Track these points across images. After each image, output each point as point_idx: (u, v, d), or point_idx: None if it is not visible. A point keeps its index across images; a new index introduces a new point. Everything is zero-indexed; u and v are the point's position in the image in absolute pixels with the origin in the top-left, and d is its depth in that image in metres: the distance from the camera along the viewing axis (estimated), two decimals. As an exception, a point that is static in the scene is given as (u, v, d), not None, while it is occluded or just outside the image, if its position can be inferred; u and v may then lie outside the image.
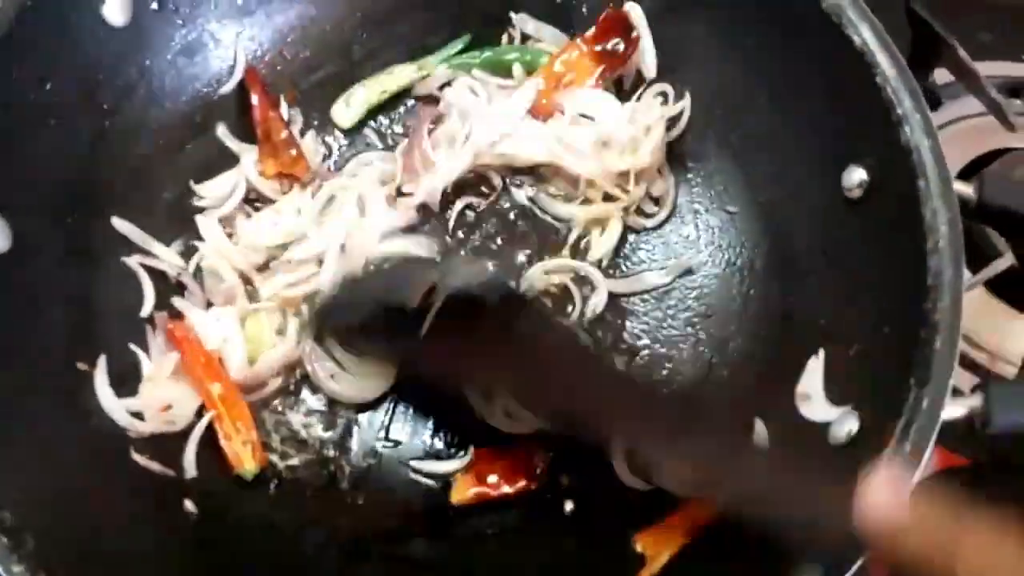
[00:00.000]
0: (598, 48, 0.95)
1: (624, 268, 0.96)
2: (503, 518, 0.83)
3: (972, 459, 0.92)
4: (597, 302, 0.93)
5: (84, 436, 0.77)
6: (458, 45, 1.01)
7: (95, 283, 0.85)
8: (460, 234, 0.97)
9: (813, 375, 0.79)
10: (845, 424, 0.73)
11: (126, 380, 0.83)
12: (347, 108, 0.99)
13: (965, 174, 1.09)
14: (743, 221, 0.94)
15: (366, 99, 0.99)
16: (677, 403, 0.86)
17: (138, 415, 0.82)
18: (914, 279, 0.71)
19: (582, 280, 0.95)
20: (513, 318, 0.78)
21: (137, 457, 0.80)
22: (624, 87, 0.99)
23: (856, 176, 0.80)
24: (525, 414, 0.84)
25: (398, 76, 1.00)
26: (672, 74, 0.97)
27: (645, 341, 0.93)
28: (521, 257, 0.96)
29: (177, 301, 0.89)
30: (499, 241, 0.97)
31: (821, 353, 0.80)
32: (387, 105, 1.01)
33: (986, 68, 1.05)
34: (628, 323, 0.94)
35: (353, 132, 1.01)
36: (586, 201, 0.95)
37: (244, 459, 0.82)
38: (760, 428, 0.81)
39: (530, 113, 0.95)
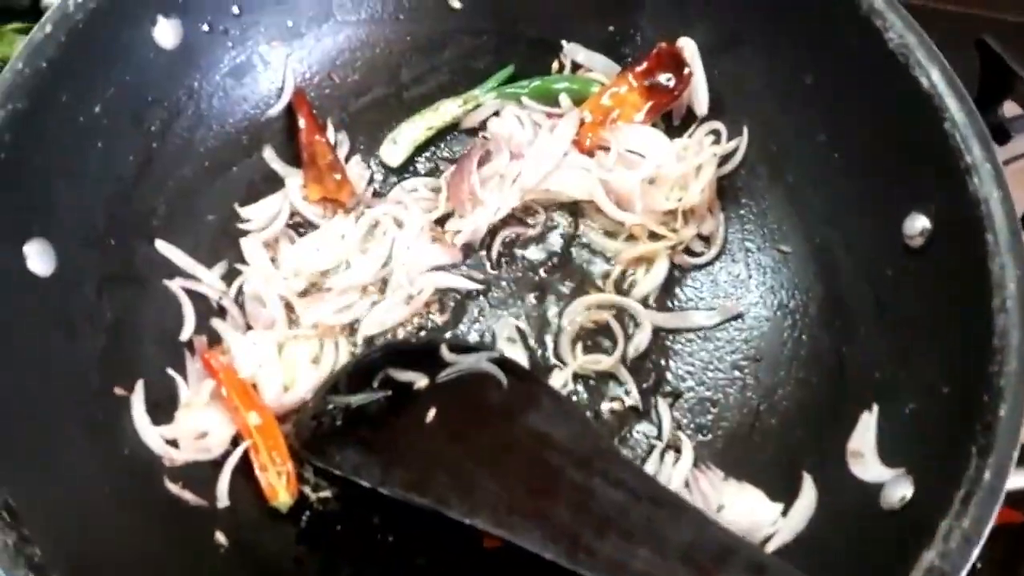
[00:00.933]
0: (647, 83, 0.92)
1: (669, 304, 0.93)
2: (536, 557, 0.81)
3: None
4: (641, 340, 0.91)
5: (117, 465, 0.77)
6: (502, 76, 1.00)
7: (135, 307, 0.85)
8: (503, 266, 0.95)
9: (866, 432, 0.76)
10: (899, 488, 0.69)
11: (162, 406, 0.83)
12: (394, 146, 0.99)
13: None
14: (796, 262, 0.90)
15: (412, 137, 0.99)
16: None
17: (173, 442, 0.81)
18: (977, 338, 0.67)
19: (625, 316, 0.92)
20: (527, 405, 0.76)
21: (170, 486, 0.79)
22: (674, 123, 0.97)
23: (919, 224, 0.76)
24: None
25: (443, 113, 0.99)
26: (725, 110, 0.94)
27: (690, 383, 0.90)
28: (563, 291, 0.94)
29: (217, 323, 0.89)
30: (542, 273, 0.95)
31: (875, 408, 0.76)
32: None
33: (1057, 102, 1.00)
34: (672, 363, 0.91)
35: (399, 157, 1.00)
36: (631, 238, 0.93)
37: (279, 491, 0.81)
38: (808, 484, 0.78)
39: (576, 146, 0.93)
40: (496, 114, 0.99)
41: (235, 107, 0.96)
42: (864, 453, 0.75)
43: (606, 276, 0.94)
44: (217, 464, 0.82)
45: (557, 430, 0.76)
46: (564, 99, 0.98)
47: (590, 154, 0.94)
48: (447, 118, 0.99)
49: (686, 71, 0.91)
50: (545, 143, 0.93)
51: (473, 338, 0.92)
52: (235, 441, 0.83)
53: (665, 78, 0.92)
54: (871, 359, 0.80)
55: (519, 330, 0.92)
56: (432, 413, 0.81)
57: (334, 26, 1.00)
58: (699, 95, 0.93)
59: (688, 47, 0.92)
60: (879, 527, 0.69)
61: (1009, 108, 1.03)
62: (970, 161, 0.71)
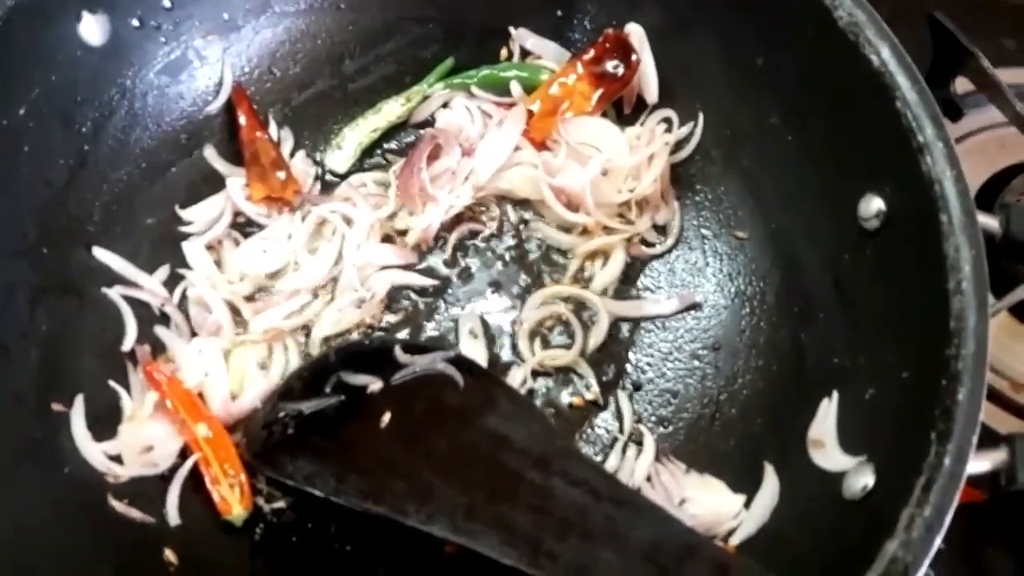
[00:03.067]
0: (596, 71, 0.90)
1: (627, 295, 0.92)
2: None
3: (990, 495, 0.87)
4: (600, 333, 0.89)
5: (58, 485, 0.74)
6: (443, 69, 0.98)
7: (72, 318, 0.82)
8: (458, 263, 0.93)
9: (826, 419, 0.75)
10: (860, 477, 0.68)
11: (104, 421, 0.79)
12: (340, 152, 0.96)
13: (987, 189, 1.04)
14: (753, 248, 0.89)
15: (357, 141, 0.96)
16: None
17: (117, 458, 0.78)
18: (934, 321, 0.66)
19: (584, 309, 0.91)
20: (484, 406, 0.74)
21: (115, 504, 0.76)
22: (625, 111, 0.95)
23: (874, 206, 0.75)
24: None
25: (386, 113, 0.97)
26: (678, 96, 0.92)
27: (650, 375, 0.88)
28: (520, 285, 0.92)
29: (160, 331, 0.86)
30: (498, 267, 0.93)
31: (835, 396, 0.75)
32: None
33: (1010, 76, 1.00)
34: (632, 355, 0.89)
35: (345, 150, 0.97)
36: (585, 232, 0.91)
37: (232, 504, 0.78)
38: (771, 474, 0.77)
39: (527, 139, 0.90)
40: (445, 105, 0.96)
41: (172, 105, 0.92)
42: (825, 441, 0.74)
43: (563, 270, 0.92)
44: (165, 479, 0.79)
45: (515, 430, 0.74)
46: (515, 87, 0.96)
47: (542, 145, 0.92)
48: (391, 118, 0.97)
49: (634, 58, 0.89)
50: (495, 139, 0.90)
51: (429, 337, 0.90)
52: (183, 453, 0.80)
53: (613, 65, 0.90)
54: (830, 345, 0.79)
55: (482, 324, 0.90)
56: (387, 417, 0.79)
57: (272, 17, 0.96)
58: (648, 82, 0.92)
59: (635, 32, 0.90)
60: (842, 518, 0.68)
61: (961, 84, 1.03)
62: (922, 140, 0.70)
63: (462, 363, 0.82)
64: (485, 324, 0.90)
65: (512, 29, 0.98)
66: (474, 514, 0.68)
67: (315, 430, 0.79)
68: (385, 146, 0.98)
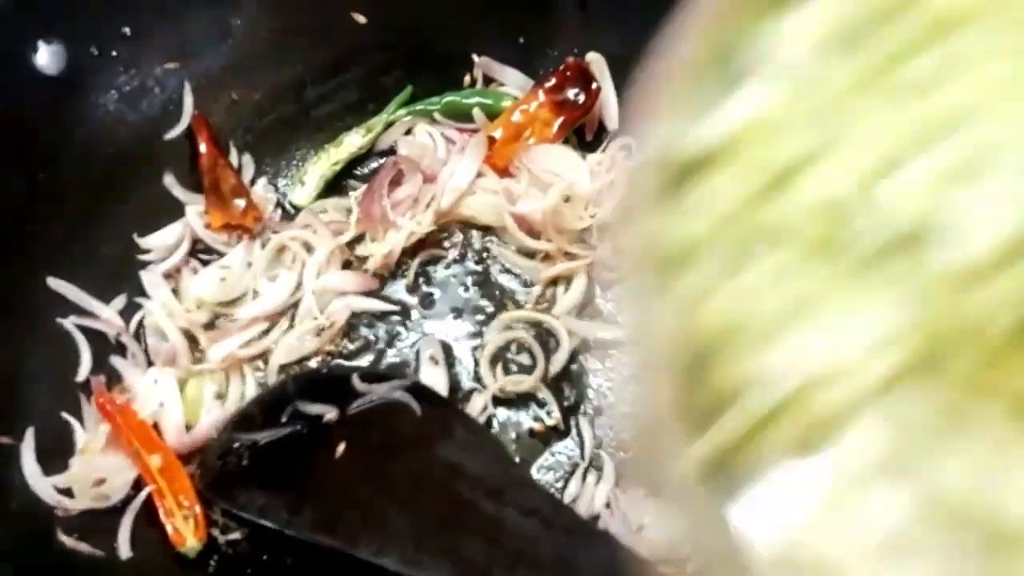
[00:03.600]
0: (557, 99, 0.91)
1: (589, 319, 0.92)
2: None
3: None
4: (561, 357, 0.89)
5: (4, 521, 0.72)
6: (402, 99, 0.98)
7: (24, 349, 0.81)
8: (419, 288, 0.92)
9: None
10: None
11: (54, 453, 0.78)
12: (302, 187, 0.96)
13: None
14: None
15: (320, 175, 0.96)
16: None
17: (67, 491, 0.77)
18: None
19: (545, 334, 0.90)
20: (439, 434, 0.74)
21: (64, 539, 0.75)
22: (587, 138, 0.95)
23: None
24: None
25: (348, 145, 0.96)
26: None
27: (611, 399, 0.88)
28: (482, 311, 0.92)
29: (116, 361, 0.85)
30: (460, 293, 0.93)
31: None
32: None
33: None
34: (594, 379, 0.89)
35: (306, 176, 0.97)
36: (548, 258, 0.91)
37: (186, 536, 0.77)
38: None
39: (489, 166, 0.91)
40: (408, 132, 0.97)
41: (131, 132, 0.92)
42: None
43: (526, 295, 0.92)
44: (116, 511, 0.77)
45: (470, 459, 0.74)
46: (478, 114, 0.96)
47: (504, 172, 0.92)
48: (352, 150, 0.96)
49: (595, 85, 0.90)
50: (457, 165, 0.91)
51: (390, 363, 0.89)
52: (136, 485, 0.79)
53: (574, 93, 0.90)
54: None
55: (444, 349, 0.89)
56: (342, 447, 0.78)
57: (233, 44, 0.96)
58: (609, 109, 0.92)
59: (596, 62, 0.91)
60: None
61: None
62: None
63: (420, 391, 0.82)
64: (447, 350, 0.90)
65: (475, 56, 0.98)
66: (424, 545, 0.67)
67: (270, 460, 0.78)
68: (347, 172, 0.97)
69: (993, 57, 0.32)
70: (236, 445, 0.79)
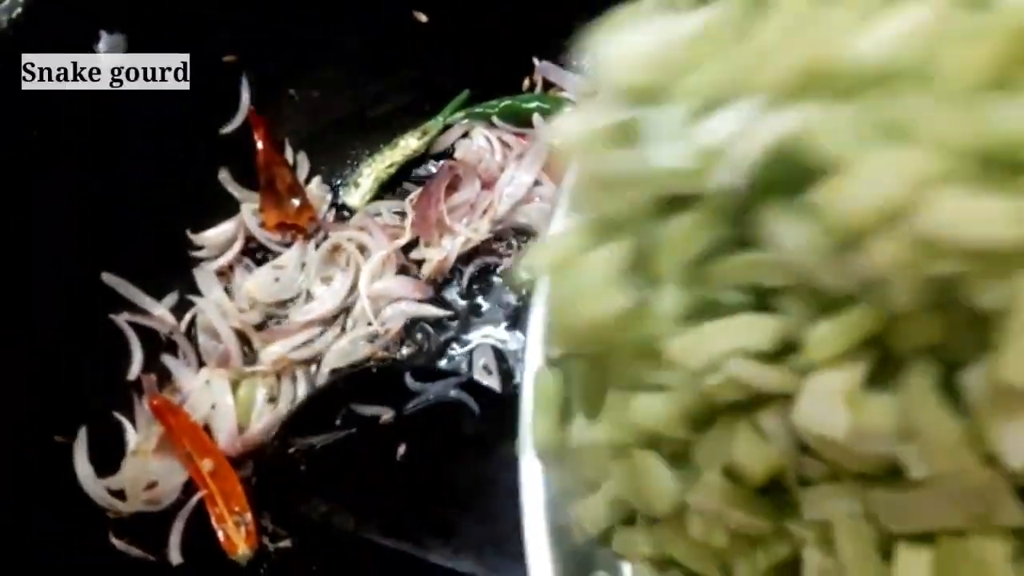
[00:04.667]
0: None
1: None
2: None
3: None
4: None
5: (58, 520, 0.71)
6: (458, 102, 0.96)
7: (77, 346, 0.79)
8: (474, 295, 0.90)
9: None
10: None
11: (107, 453, 0.76)
12: (356, 189, 0.94)
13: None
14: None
15: (375, 177, 0.94)
16: None
17: (119, 494, 0.75)
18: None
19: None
20: (502, 434, 0.72)
21: (116, 542, 0.73)
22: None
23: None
24: None
25: (403, 148, 0.95)
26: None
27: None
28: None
29: (167, 360, 0.83)
30: (514, 301, 0.91)
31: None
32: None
33: None
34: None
35: (363, 176, 0.96)
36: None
37: (238, 543, 0.76)
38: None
39: (547, 175, 0.89)
40: (465, 135, 0.95)
41: (187, 127, 0.90)
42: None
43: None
44: (167, 515, 0.76)
45: None
46: (537, 119, 0.94)
47: (561, 179, 0.90)
48: (408, 152, 0.95)
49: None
50: (515, 173, 0.89)
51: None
52: (186, 489, 0.77)
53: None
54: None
55: (496, 355, 0.87)
56: (402, 449, 0.76)
57: (292, 41, 0.94)
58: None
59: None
60: None
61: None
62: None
63: (476, 389, 0.80)
64: (500, 358, 0.88)
65: (536, 60, 0.96)
66: (501, 548, 0.65)
67: (328, 465, 0.77)
68: (403, 175, 0.96)
69: None
70: (291, 450, 0.78)
